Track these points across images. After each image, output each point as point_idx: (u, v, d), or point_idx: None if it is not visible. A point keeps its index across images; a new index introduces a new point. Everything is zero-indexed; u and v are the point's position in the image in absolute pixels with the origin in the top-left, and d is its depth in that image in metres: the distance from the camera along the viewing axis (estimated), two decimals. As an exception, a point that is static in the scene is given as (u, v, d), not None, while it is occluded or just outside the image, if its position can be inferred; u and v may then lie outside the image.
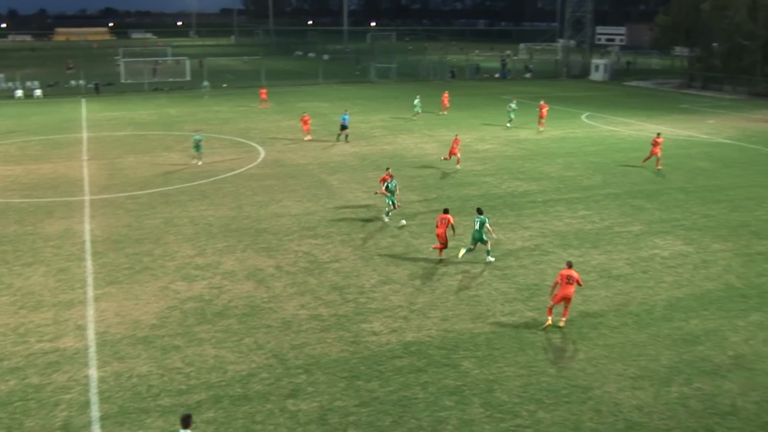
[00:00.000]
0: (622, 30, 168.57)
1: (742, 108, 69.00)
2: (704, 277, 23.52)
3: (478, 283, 22.68)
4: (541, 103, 52.74)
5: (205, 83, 75.79)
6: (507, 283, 22.78)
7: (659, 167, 38.63)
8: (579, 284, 19.41)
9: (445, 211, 24.84)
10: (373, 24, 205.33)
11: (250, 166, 39.21)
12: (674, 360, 17.89)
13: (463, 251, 24.52)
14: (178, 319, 20.01)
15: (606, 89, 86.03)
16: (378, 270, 23.78)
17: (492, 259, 24.56)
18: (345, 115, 46.85)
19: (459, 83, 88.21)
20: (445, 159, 39.63)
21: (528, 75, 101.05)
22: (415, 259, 24.76)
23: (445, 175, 37.47)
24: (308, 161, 40.55)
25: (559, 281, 19.37)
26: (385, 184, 28.77)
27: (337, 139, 46.26)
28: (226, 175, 37.09)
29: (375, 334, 19.15)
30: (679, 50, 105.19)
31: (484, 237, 24.14)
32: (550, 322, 19.69)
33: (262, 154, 42.44)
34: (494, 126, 54.03)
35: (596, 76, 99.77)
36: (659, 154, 38.91)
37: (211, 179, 36.09)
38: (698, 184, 36.04)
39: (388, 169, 31.12)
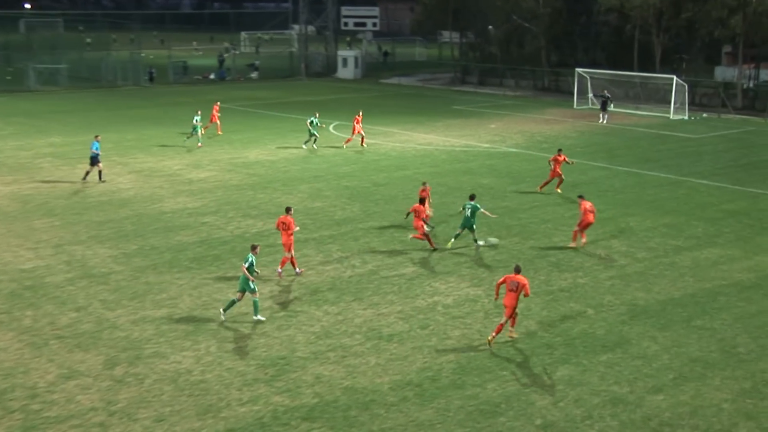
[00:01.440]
0: (376, 11, 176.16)
1: (528, 107, 74.97)
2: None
3: (204, 364, 22.47)
4: (357, 115, 53.51)
5: None
6: (244, 359, 22.78)
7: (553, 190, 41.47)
8: (526, 294, 23.13)
9: (421, 201, 32.33)
10: (27, 6, 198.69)
11: None
12: (470, 439, 18.79)
13: (452, 240, 31.98)
14: None
15: (359, 90, 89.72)
16: (57, 360, 22.83)
17: (482, 243, 32.22)
18: (95, 142, 44.02)
19: (160, 89, 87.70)
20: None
21: (254, 75, 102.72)
22: (112, 339, 24.06)
23: (147, 218, 36.94)
24: (-59, 210, 38.28)
25: (500, 286, 23.48)
26: (248, 260, 25.38)
27: (84, 178, 43.51)
28: None
29: (58, 452, 18.37)
30: (447, 36, 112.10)
31: (474, 225, 31.43)
32: (516, 334, 23.91)
33: None
34: (211, 146, 54.20)
35: (345, 73, 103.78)
36: (561, 175, 41.29)
37: None
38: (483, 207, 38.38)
39: (289, 210, 29.93)
